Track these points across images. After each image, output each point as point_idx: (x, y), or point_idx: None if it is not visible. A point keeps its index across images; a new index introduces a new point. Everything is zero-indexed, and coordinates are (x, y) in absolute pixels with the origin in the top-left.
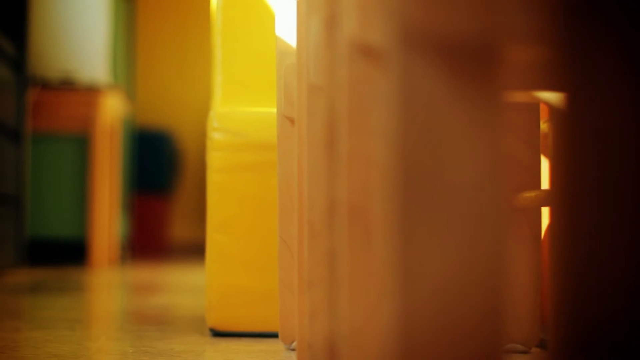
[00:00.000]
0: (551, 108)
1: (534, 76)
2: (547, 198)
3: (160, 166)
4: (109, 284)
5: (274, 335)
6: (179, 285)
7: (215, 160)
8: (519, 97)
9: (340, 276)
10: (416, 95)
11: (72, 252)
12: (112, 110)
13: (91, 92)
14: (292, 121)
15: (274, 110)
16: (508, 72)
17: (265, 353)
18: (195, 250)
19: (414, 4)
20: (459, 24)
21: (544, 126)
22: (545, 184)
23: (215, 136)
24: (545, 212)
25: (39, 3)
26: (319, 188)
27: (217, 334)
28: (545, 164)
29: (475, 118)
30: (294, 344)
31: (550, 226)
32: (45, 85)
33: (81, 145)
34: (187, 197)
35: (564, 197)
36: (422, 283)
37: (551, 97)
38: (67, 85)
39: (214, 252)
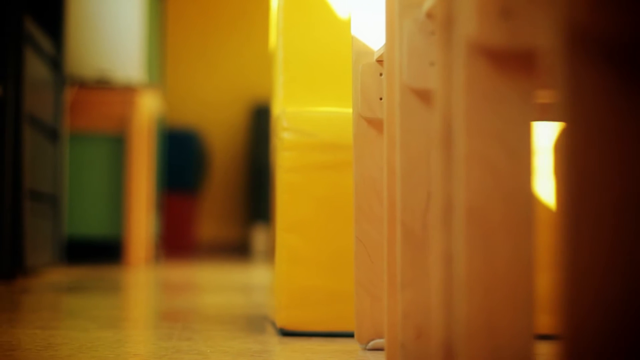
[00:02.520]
0: None
1: None
2: None
3: (188, 165)
4: (149, 282)
5: (343, 335)
6: (219, 284)
7: (285, 160)
8: None
9: (457, 277)
10: (583, 98)
11: (107, 251)
12: (147, 109)
13: (127, 91)
14: (369, 121)
15: (342, 109)
16: None
17: (342, 353)
18: (221, 249)
19: (582, 6)
20: (625, 26)
21: None
22: None
23: (285, 136)
24: None
25: (74, 2)
26: (418, 188)
27: (287, 333)
28: None
29: None
30: (371, 344)
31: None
32: (82, 84)
33: (116, 144)
34: (214, 196)
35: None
36: (587, 286)
37: None
38: (103, 85)
39: (284, 253)
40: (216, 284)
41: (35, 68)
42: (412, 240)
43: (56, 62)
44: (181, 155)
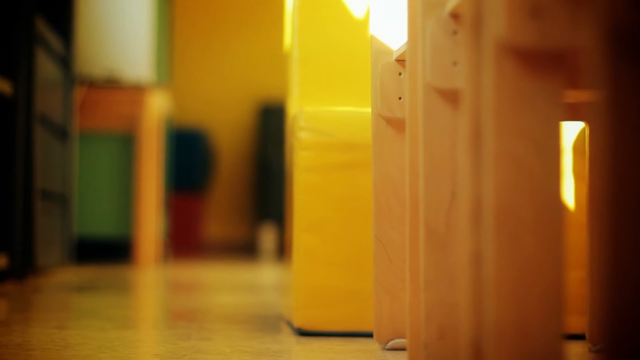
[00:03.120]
0: None
1: None
2: None
3: (195, 165)
4: (160, 282)
5: (361, 335)
6: (229, 283)
7: (302, 159)
8: None
9: (486, 276)
10: (623, 98)
11: (115, 251)
12: (156, 108)
13: (136, 90)
14: (387, 121)
15: (359, 109)
16: None
17: (362, 352)
18: (228, 248)
19: (622, 5)
20: None
21: None
22: None
23: (302, 135)
24: None
25: (84, 1)
26: (441, 188)
27: (304, 333)
28: None
29: None
30: (390, 344)
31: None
32: (92, 83)
33: (125, 143)
34: (221, 196)
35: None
36: (624, 285)
37: None
38: (112, 84)
39: (302, 252)
40: (226, 283)
41: (46, 68)
42: (435, 240)
43: (66, 61)
44: (188, 154)
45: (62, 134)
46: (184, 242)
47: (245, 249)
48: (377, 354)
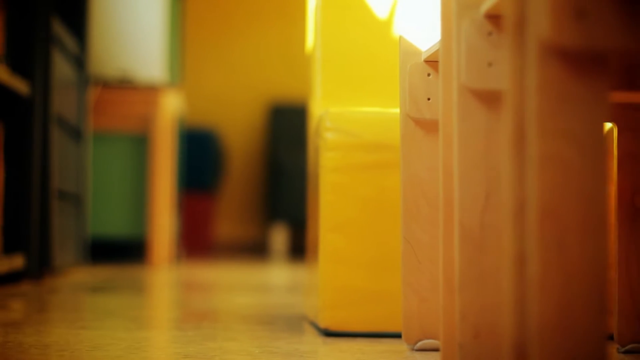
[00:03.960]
0: None
1: None
2: None
3: (205, 165)
4: (175, 282)
5: (387, 335)
6: (245, 284)
7: (328, 160)
8: None
9: (530, 277)
10: None
11: (128, 251)
12: (170, 108)
13: (150, 90)
14: (416, 122)
15: (385, 109)
16: None
17: (390, 353)
18: (239, 248)
19: None
20: None
21: None
22: None
23: (329, 136)
24: None
25: (97, 1)
26: (476, 188)
27: (330, 334)
28: None
29: None
30: (419, 344)
31: None
32: (106, 83)
33: (138, 144)
34: (232, 196)
35: None
36: None
37: None
38: (125, 84)
39: (328, 252)
40: (241, 283)
41: (62, 68)
42: (470, 240)
43: (80, 61)
44: (199, 154)
45: (76, 134)
46: (194, 242)
47: (255, 250)
48: (405, 355)
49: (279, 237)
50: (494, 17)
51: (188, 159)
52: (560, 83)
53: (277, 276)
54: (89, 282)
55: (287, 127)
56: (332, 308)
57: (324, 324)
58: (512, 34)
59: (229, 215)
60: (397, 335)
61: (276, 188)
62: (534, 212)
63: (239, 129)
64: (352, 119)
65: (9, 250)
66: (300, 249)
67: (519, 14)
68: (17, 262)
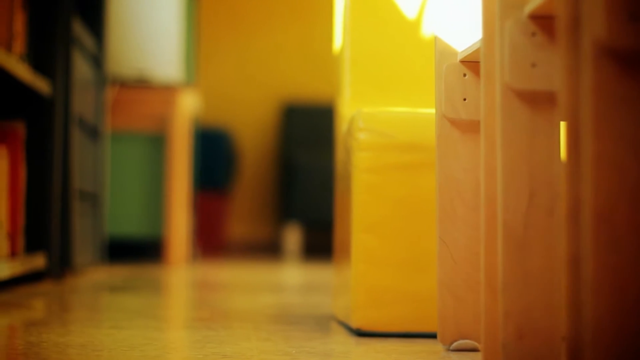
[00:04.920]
0: None
1: None
2: None
3: (218, 164)
4: (195, 281)
5: (419, 336)
6: (265, 283)
7: (362, 160)
8: None
9: (585, 278)
10: None
11: (143, 250)
12: (186, 108)
13: (167, 90)
14: (452, 122)
15: (418, 110)
16: None
17: (426, 353)
18: (252, 248)
19: None
20: None
21: None
22: None
23: (361, 136)
24: None
25: (114, 1)
26: (519, 189)
27: (363, 334)
28: None
29: None
30: (455, 345)
31: None
32: (123, 83)
33: (155, 143)
34: (245, 195)
35: None
36: None
37: None
38: (142, 84)
39: (361, 253)
40: (260, 283)
41: (81, 68)
42: (513, 241)
43: (98, 61)
44: (212, 154)
45: (93, 133)
46: (207, 241)
47: (268, 249)
48: (441, 355)
49: (292, 237)
50: (538, 18)
51: (201, 159)
52: (615, 84)
53: (294, 276)
54: (108, 281)
55: (301, 126)
56: (364, 308)
57: (356, 324)
58: (565, 35)
59: (242, 215)
60: (429, 336)
61: (289, 188)
62: (588, 214)
63: (253, 128)
64: (385, 119)
65: (31, 249)
66: (313, 248)
67: (572, 16)
68: (38, 261)
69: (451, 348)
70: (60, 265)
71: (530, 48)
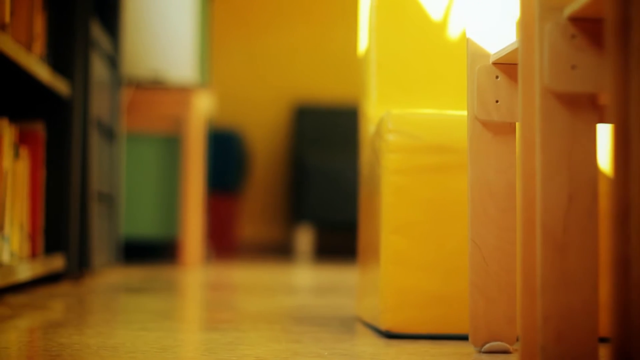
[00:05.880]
0: None
1: None
2: None
3: (229, 166)
4: (212, 283)
5: (448, 337)
6: (283, 285)
7: (391, 162)
8: None
9: (635, 281)
10: None
11: (157, 251)
12: (201, 109)
13: (182, 91)
14: (484, 124)
15: (446, 111)
16: None
17: (458, 355)
18: (263, 249)
19: None
20: None
21: None
22: None
23: (391, 138)
24: None
25: (129, 3)
26: (559, 191)
27: (392, 335)
28: None
29: None
30: (487, 346)
31: None
32: (139, 84)
33: (169, 144)
34: (256, 197)
35: None
36: None
37: None
38: (157, 85)
39: (390, 254)
40: (278, 284)
41: (99, 70)
42: (552, 243)
43: (114, 61)
44: (223, 155)
45: (109, 134)
46: (218, 243)
47: (279, 250)
48: (473, 357)
49: (304, 238)
50: (577, 20)
51: (212, 160)
52: None
53: (308, 277)
54: (125, 282)
55: (312, 127)
56: (393, 310)
57: (385, 325)
58: (614, 37)
59: (253, 216)
60: (458, 337)
61: (301, 189)
62: (637, 216)
63: (264, 129)
64: (414, 121)
65: (49, 251)
66: (325, 249)
67: (621, 17)
68: (57, 262)
69: (482, 350)
70: (79, 267)
71: (570, 50)
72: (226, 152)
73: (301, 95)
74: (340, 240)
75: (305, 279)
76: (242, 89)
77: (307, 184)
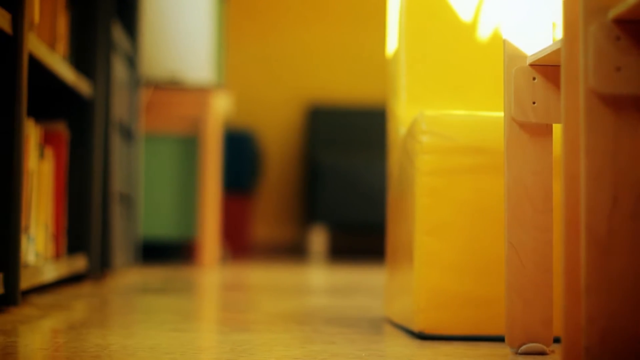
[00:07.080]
0: None
1: None
2: None
3: (242, 166)
4: (233, 283)
5: (482, 339)
6: (305, 285)
7: (424, 163)
8: None
9: None
10: None
11: (174, 251)
12: (218, 110)
13: (200, 92)
14: (521, 125)
15: (479, 112)
16: None
17: (494, 357)
18: (276, 250)
19: None
20: None
21: None
22: None
23: (424, 139)
24: None
25: (147, 3)
26: (603, 192)
27: (425, 337)
28: None
29: None
30: (523, 348)
31: None
32: (158, 85)
33: (186, 145)
34: (269, 197)
35: None
36: None
37: None
38: (175, 85)
39: (424, 255)
40: (297, 285)
41: (119, 71)
42: (597, 245)
43: (133, 62)
44: (236, 155)
45: (128, 135)
46: (232, 243)
47: (292, 251)
48: (509, 358)
49: (318, 239)
50: (622, 22)
51: (226, 160)
52: None
53: (325, 278)
54: (146, 283)
55: (326, 127)
56: (427, 311)
57: (418, 326)
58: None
59: (267, 217)
60: (492, 339)
61: (315, 189)
62: None
63: (278, 130)
64: (448, 122)
65: (72, 251)
66: (339, 250)
67: None
68: (80, 263)
69: (519, 351)
70: (100, 267)
71: (615, 52)
72: (240, 152)
73: (315, 95)
74: (354, 241)
75: (322, 280)
76: (256, 90)
77: (321, 184)
